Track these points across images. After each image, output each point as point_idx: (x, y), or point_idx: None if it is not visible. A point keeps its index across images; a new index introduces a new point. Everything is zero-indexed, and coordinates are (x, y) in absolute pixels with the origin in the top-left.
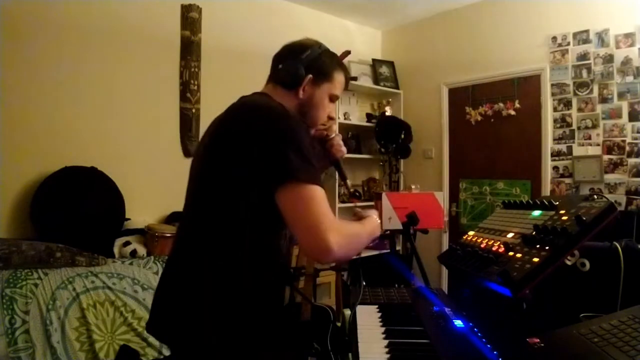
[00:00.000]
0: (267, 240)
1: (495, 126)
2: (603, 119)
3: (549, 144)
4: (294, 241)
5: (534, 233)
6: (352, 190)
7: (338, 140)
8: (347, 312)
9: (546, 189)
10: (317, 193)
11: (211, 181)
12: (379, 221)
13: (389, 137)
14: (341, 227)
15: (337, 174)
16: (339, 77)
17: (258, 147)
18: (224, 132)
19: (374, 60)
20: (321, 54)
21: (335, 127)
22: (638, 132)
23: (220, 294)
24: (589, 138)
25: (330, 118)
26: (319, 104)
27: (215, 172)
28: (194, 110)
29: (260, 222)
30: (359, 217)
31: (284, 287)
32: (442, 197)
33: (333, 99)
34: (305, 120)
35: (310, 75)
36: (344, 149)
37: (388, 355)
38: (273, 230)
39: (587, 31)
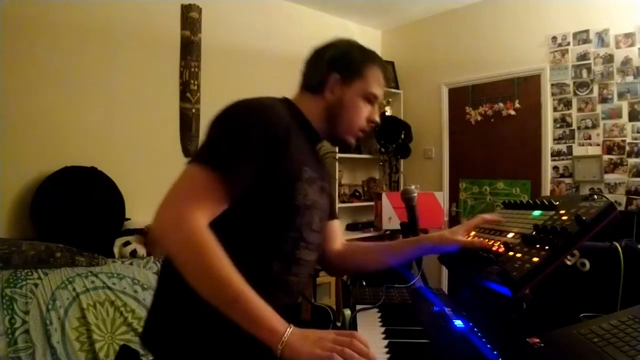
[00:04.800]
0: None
1: (495, 126)
2: (603, 119)
3: (549, 144)
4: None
5: (534, 233)
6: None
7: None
8: (347, 312)
9: (546, 189)
10: (193, 172)
11: None
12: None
13: (389, 137)
14: (196, 224)
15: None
16: (373, 73)
17: None
18: None
19: None
20: (349, 50)
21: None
22: (638, 132)
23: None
24: (589, 138)
25: (372, 122)
26: (350, 105)
27: None
28: (194, 110)
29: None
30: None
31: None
32: (442, 197)
33: (371, 98)
34: (338, 125)
35: (337, 75)
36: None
37: (388, 355)
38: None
39: (587, 31)
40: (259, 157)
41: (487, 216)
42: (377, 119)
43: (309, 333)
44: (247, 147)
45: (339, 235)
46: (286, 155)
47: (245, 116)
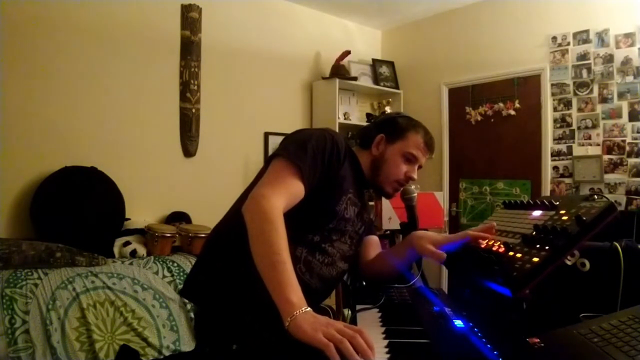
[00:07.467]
0: None
1: (495, 126)
2: (603, 119)
3: (549, 144)
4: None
5: (534, 233)
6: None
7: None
8: (347, 312)
9: (546, 189)
10: (280, 165)
11: None
12: (301, 315)
13: None
14: (274, 204)
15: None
16: (414, 137)
17: None
18: None
19: (374, 60)
20: (396, 117)
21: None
22: (638, 132)
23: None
24: (589, 138)
25: (410, 178)
26: (390, 160)
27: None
28: (194, 110)
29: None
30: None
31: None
32: (442, 197)
33: (409, 157)
34: (379, 175)
35: (382, 135)
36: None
37: (388, 356)
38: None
39: (587, 31)
40: (322, 164)
41: (471, 232)
42: (415, 176)
43: (320, 318)
44: (318, 154)
45: (373, 247)
46: (339, 172)
47: (318, 133)
